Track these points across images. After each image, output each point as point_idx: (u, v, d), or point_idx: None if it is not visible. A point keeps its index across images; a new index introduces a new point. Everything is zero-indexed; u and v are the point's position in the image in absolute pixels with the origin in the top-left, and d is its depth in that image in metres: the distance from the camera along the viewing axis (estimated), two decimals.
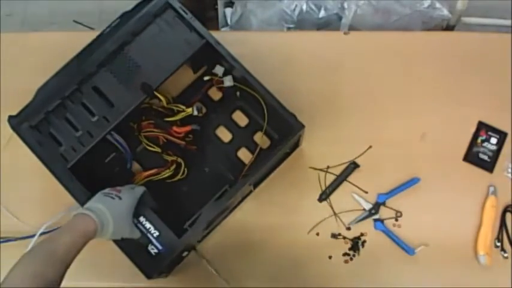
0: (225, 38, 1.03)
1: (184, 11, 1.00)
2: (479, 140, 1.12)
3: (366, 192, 1.10)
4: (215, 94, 1.13)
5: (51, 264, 0.76)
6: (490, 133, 1.12)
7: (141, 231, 0.93)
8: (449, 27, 1.44)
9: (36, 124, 0.97)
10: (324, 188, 1.11)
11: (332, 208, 1.09)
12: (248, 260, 1.07)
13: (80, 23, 1.87)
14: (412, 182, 1.09)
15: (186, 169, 1.06)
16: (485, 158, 1.11)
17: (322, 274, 1.06)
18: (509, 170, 1.10)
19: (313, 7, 1.45)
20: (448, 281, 1.04)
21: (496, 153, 1.11)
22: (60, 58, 1.00)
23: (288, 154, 1.11)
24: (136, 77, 0.99)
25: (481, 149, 1.12)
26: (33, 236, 1.06)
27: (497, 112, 1.14)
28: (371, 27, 1.44)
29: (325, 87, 1.17)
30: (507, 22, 1.43)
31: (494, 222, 1.07)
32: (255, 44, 1.19)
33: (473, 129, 1.13)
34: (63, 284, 1.07)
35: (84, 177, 0.95)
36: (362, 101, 1.16)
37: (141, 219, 0.94)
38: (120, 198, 0.90)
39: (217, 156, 1.10)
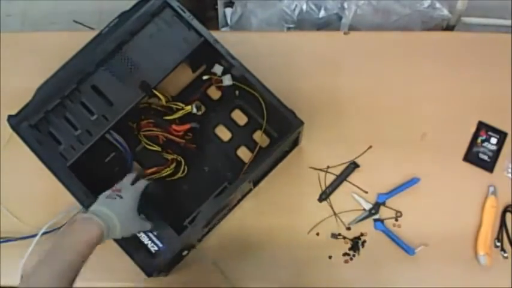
0: (225, 38, 1.03)
1: (182, 10, 1.01)
2: (479, 140, 1.12)
3: (366, 192, 1.10)
4: (214, 93, 1.13)
5: (64, 275, 0.76)
6: (490, 133, 1.12)
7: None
8: (449, 27, 1.44)
9: (35, 123, 0.97)
10: (324, 188, 1.10)
11: (332, 208, 1.09)
12: (248, 260, 1.07)
13: (80, 23, 1.87)
14: (412, 182, 1.09)
15: (186, 167, 1.07)
16: (485, 158, 1.11)
17: (322, 274, 1.06)
18: (509, 170, 1.10)
19: (313, 7, 1.45)
20: (448, 281, 1.04)
21: (496, 153, 1.11)
22: (60, 58, 1.00)
23: (287, 152, 1.11)
24: (135, 75, 0.99)
25: (481, 149, 1.11)
26: (33, 236, 1.06)
27: (497, 112, 1.14)
28: (371, 27, 1.44)
29: (325, 87, 1.17)
30: (507, 22, 1.43)
31: (494, 222, 1.07)
32: (255, 44, 1.19)
33: (473, 129, 1.13)
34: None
35: (84, 176, 0.95)
36: (362, 101, 1.16)
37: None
38: (121, 197, 0.89)
39: (217, 155, 1.11)
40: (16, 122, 0.97)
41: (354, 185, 1.11)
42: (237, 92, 1.11)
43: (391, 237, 1.06)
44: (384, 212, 1.09)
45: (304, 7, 1.45)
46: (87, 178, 0.96)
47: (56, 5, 1.95)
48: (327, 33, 1.43)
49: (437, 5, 1.42)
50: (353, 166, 1.11)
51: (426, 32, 1.43)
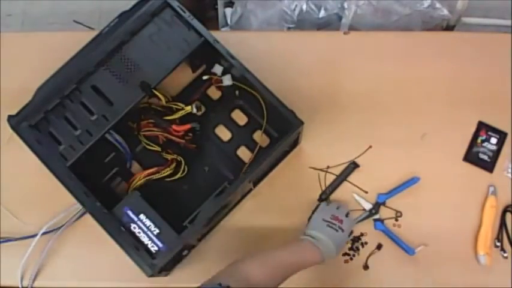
0: (225, 38, 1.03)
1: (182, 10, 1.01)
2: (479, 140, 1.12)
3: (366, 192, 1.10)
4: (214, 93, 1.13)
5: (271, 276, 0.86)
6: (490, 133, 1.12)
7: (140, 228, 0.93)
8: (449, 27, 1.44)
9: (35, 123, 0.97)
10: (324, 187, 1.11)
11: None
12: None
13: (80, 23, 1.87)
14: (412, 181, 1.09)
15: (186, 167, 1.07)
16: (485, 158, 1.11)
17: (322, 274, 1.06)
18: (509, 170, 1.10)
19: (313, 7, 1.45)
20: (448, 281, 1.04)
21: (496, 153, 1.11)
22: (60, 58, 1.00)
23: (287, 152, 1.11)
24: (135, 75, 0.99)
25: (481, 149, 1.12)
26: (33, 236, 1.06)
27: (497, 112, 1.14)
28: (371, 27, 1.44)
29: (325, 87, 1.17)
30: (507, 22, 1.43)
31: (494, 222, 1.07)
32: (255, 44, 1.19)
33: (473, 129, 1.13)
34: (63, 284, 1.08)
35: (84, 176, 0.95)
36: (362, 101, 1.16)
37: (141, 216, 0.94)
38: (342, 230, 0.98)
39: (217, 155, 1.11)
40: (16, 122, 0.97)
41: (354, 185, 1.11)
42: (237, 92, 1.11)
43: (391, 237, 1.06)
44: (384, 212, 1.09)
45: (304, 7, 1.45)
46: (87, 178, 0.96)
47: (56, 5, 1.95)
48: (327, 33, 1.43)
49: (438, 5, 1.42)
50: (353, 166, 1.11)
51: (426, 32, 1.43)
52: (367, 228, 1.08)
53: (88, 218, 0.96)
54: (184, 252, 1.03)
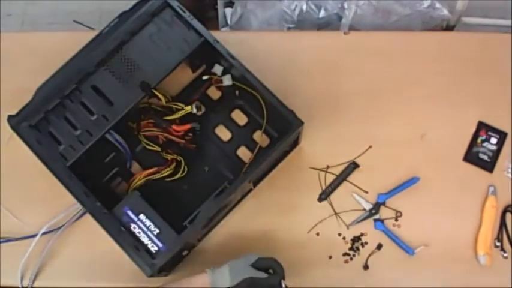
0: (225, 38, 1.03)
1: (182, 10, 1.01)
2: (479, 140, 1.12)
3: (366, 192, 1.10)
4: (214, 93, 1.13)
5: None
6: (490, 133, 1.12)
7: (140, 228, 0.94)
8: (449, 27, 1.44)
9: (35, 123, 0.97)
10: (324, 187, 1.11)
11: (332, 208, 1.09)
12: None
13: (80, 23, 1.87)
14: (412, 181, 1.09)
15: (186, 167, 1.07)
16: (485, 158, 1.11)
17: (322, 274, 1.06)
18: (509, 170, 1.10)
19: (313, 7, 1.45)
20: (448, 281, 1.04)
21: (496, 153, 1.11)
22: (60, 58, 1.00)
23: (287, 152, 1.11)
24: (135, 75, 0.99)
25: (481, 149, 1.12)
26: (33, 236, 1.06)
27: (497, 112, 1.14)
28: (371, 27, 1.44)
29: (325, 87, 1.17)
30: (507, 22, 1.43)
31: (494, 222, 1.07)
32: (255, 44, 1.19)
33: (473, 129, 1.13)
34: (63, 284, 1.08)
35: (84, 176, 0.95)
36: (362, 101, 1.16)
37: (141, 216, 0.94)
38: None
39: (217, 155, 1.11)
40: (16, 122, 0.97)
41: (354, 185, 1.11)
42: (237, 92, 1.11)
43: (391, 237, 1.06)
44: (384, 212, 1.09)
45: (304, 7, 1.45)
46: (87, 178, 0.96)
47: (56, 5, 1.95)
48: (327, 33, 1.43)
49: (437, 5, 1.42)
50: (353, 166, 1.11)
51: (426, 32, 1.43)
52: (367, 228, 1.08)
53: (88, 218, 0.96)
54: (184, 252, 1.03)
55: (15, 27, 1.95)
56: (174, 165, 1.05)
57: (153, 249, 0.93)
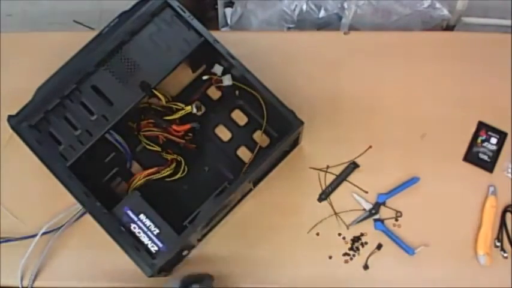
0: (225, 38, 1.03)
1: (182, 10, 1.01)
2: (479, 140, 1.12)
3: (366, 192, 1.10)
4: (214, 93, 1.13)
5: None
6: (490, 133, 1.12)
7: (140, 228, 0.94)
8: (449, 27, 1.44)
9: (35, 123, 0.97)
10: (324, 187, 1.11)
11: (332, 208, 1.09)
12: (248, 260, 1.07)
13: (80, 23, 1.87)
14: (412, 181, 1.09)
15: (186, 167, 1.07)
16: (485, 158, 1.11)
17: (322, 274, 1.06)
18: (509, 170, 1.10)
19: (313, 7, 1.45)
20: (448, 281, 1.04)
21: (496, 153, 1.11)
22: (60, 58, 1.00)
23: (287, 152, 1.11)
24: (135, 75, 0.99)
25: (481, 149, 1.11)
26: (33, 236, 1.06)
27: (497, 112, 1.13)
28: (371, 27, 1.44)
29: (325, 87, 1.17)
30: (507, 22, 1.43)
31: (494, 222, 1.07)
32: (255, 44, 1.19)
33: (473, 129, 1.13)
34: (63, 284, 1.08)
35: (84, 176, 0.95)
36: (362, 101, 1.16)
37: (141, 216, 0.94)
38: None
39: (217, 155, 1.10)
40: (16, 122, 0.97)
41: (354, 185, 1.11)
42: (237, 92, 1.11)
43: (391, 237, 1.06)
44: (384, 212, 1.09)
45: (304, 7, 1.45)
46: (87, 178, 0.96)
47: (56, 5, 1.95)
48: (327, 33, 1.43)
49: (437, 5, 1.42)
50: (353, 166, 1.11)
51: (426, 32, 1.43)
52: (367, 228, 1.08)
53: (88, 218, 0.96)
54: (184, 252, 1.03)
55: (15, 27, 1.95)
56: (174, 165, 1.05)
57: (153, 249, 0.93)
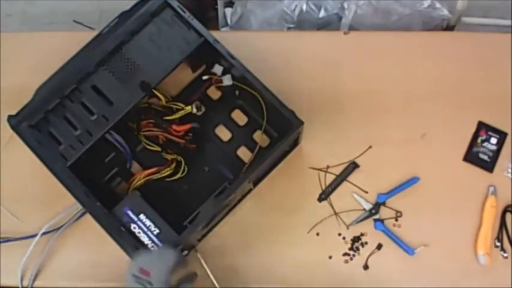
0: (225, 38, 1.03)
1: (182, 10, 1.01)
2: (479, 140, 1.12)
3: (366, 192, 1.10)
4: (214, 93, 1.13)
5: None
6: (490, 133, 1.12)
7: (140, 228, 0.94)
8: (449, 27, 1.44)
9: (35, 123, 0.97)
10: (324, 187, 1.11)
11: (332, 208, 1.09)
12: (248, 260, 1.07)
13: (80, 23, 1.88)
14: (412, 181, 1.09)
15: (186, 167, 1.07)
16: (485, 158, 1.11)
17: (322, 274, 1.06)
18: (509, 170, 1.10)
19: (313, 7, 1.45)
20: (448, 281, 1.04)
21: (496, 153, 1.11)
22: (60, 58, 1.00)
23: (287, 152, 1.11)
24: (135, 75, 0.99)
25: (481, 149, 1.11)
26: (33, 236, 1.06)
27: (497, 112, 1.13)
28: (371, 27, 1.44)
29: (325, 87, 1.17)
30: (507, 22, 1.43)
31: (494, 222, 1.07)
32: (255, 44, 1.19)
33: (473, 129, 1.13)
34: (63, 284, 1.08)
35: (84, 176, 0.95)
36: (362, 101, 1.16)
37: (141, 216, 0.94)
38: (151, 284, 0.84)
39: (217, 155, 1.11)
40: (16, 122, 0.97)
41: (354, 185, 1.11)
42: (237, 92, 1.11)
43: (391, 237, 1.06)
44: (384, 212, 1.09)
45: (304, 7, 1.45)
46: (87, 178, 0.96)
47: (56, 5, 1.95)
48: (327, 33, 1.43)
49: (437, 5, 1.42)
50: (353, 166, 1.11)
51: (426, 32, 1.43)
52: (367, 228, 1.08)
53: (88, 218, 0.96)
54: (184, 252, 1.03)
55: (15, 27, 1.95)
56: (174, 165, 1.05)
57: (153, 249, 0.93)
